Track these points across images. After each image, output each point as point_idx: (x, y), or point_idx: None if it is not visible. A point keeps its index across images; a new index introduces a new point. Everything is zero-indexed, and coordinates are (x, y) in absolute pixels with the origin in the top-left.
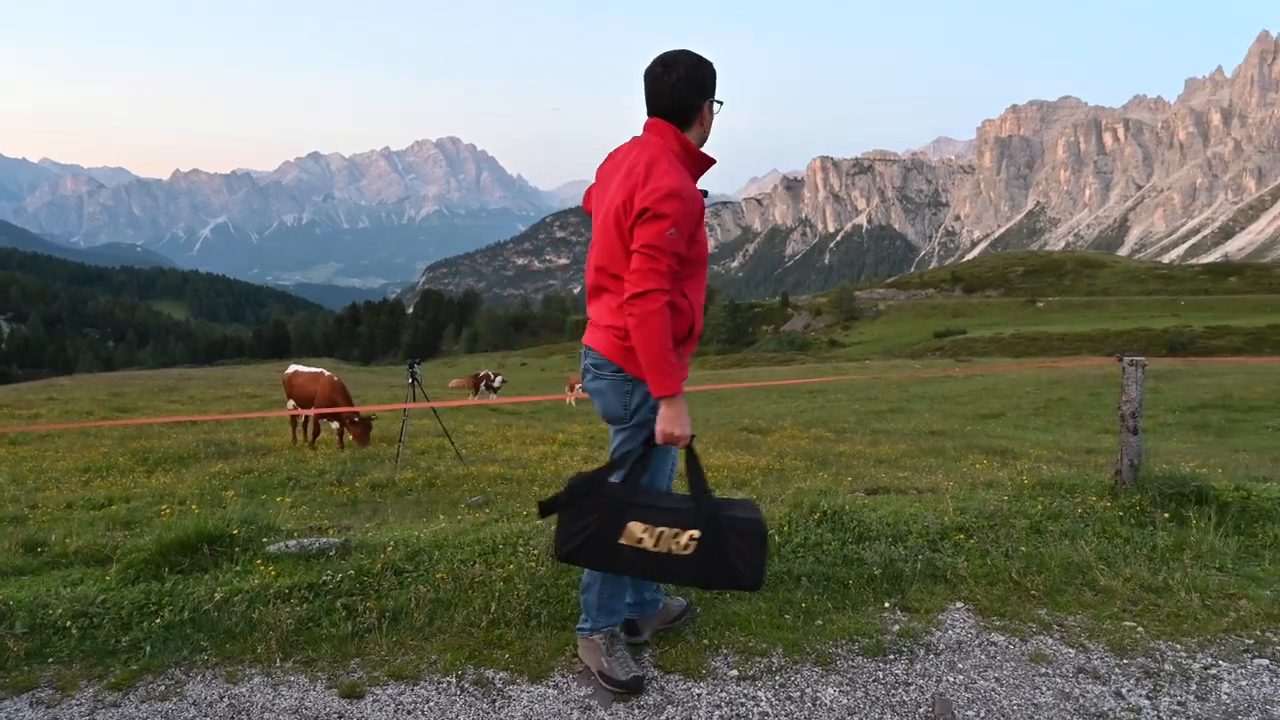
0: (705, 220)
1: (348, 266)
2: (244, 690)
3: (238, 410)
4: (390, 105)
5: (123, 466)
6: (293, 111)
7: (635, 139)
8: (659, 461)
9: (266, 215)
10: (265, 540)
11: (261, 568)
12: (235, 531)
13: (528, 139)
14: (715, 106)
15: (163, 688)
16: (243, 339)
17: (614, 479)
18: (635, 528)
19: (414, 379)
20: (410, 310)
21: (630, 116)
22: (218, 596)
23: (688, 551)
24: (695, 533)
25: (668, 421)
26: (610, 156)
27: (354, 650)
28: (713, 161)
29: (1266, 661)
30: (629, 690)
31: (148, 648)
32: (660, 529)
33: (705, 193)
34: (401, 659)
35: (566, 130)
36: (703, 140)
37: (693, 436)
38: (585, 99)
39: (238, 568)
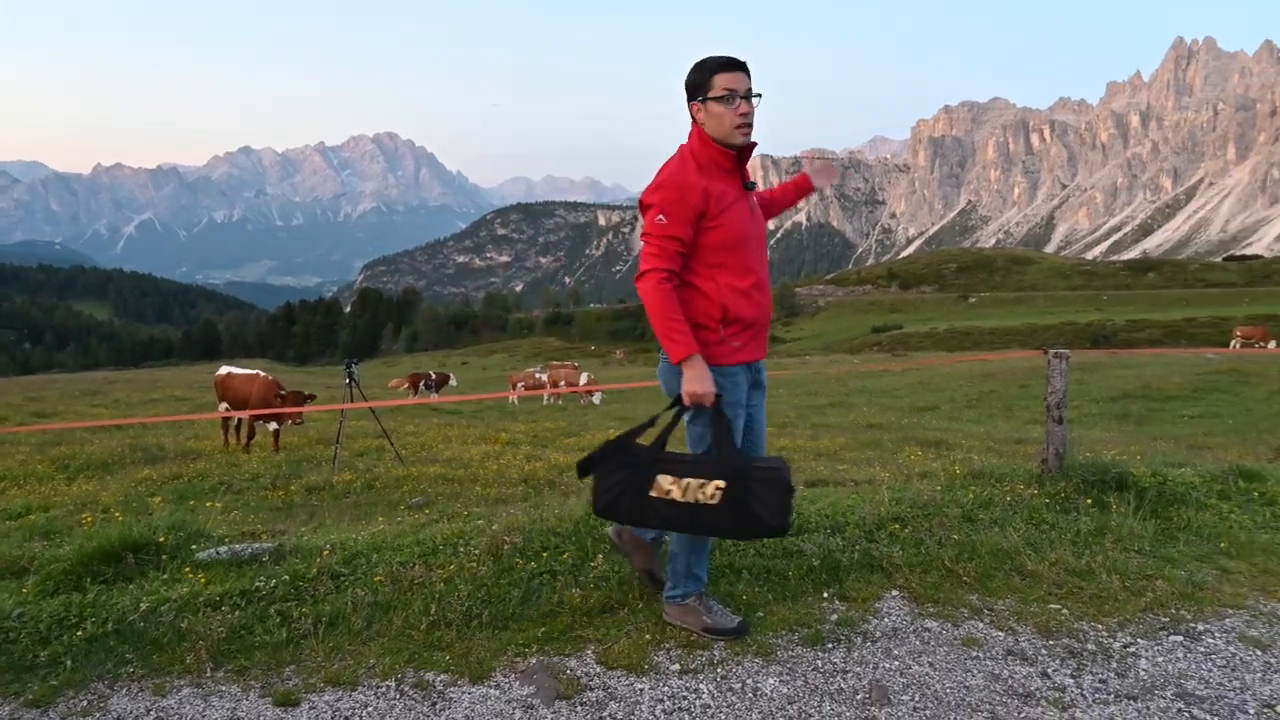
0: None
1: (281, 264)
2: (172, 702)
3: (166, 414)
4: (325, 100)
5: (41, 474)
6: (222, 105)
7: None
8: (699, 429)
9: (195, 211)
10: (195, 547)
11: (190, 575)
12: (162, 539)
13: (467, 135)
14: (713, 105)
15: (85, 703)
16: (171, 340)
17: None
18: (663, 480)
19: (351, 379)
20: (347, 309)
21: (576, 114)
22: (144, 606)
23: (714, 501)
24: (721, 483)
25: (689, 381)
26: None
27: (289, 657)
28: (732, 150)
29: (1181, 638)
30: (740, 634)
31: (68, 662)
32: (687, 480)
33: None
34: (339, 664)
35: (506, 127)
36: (719, 132)
37: (718, 396)
38: (524, 95)
39: (165, 576)
